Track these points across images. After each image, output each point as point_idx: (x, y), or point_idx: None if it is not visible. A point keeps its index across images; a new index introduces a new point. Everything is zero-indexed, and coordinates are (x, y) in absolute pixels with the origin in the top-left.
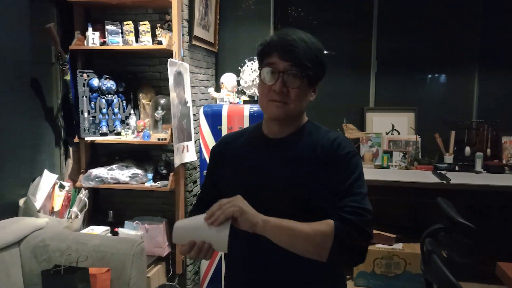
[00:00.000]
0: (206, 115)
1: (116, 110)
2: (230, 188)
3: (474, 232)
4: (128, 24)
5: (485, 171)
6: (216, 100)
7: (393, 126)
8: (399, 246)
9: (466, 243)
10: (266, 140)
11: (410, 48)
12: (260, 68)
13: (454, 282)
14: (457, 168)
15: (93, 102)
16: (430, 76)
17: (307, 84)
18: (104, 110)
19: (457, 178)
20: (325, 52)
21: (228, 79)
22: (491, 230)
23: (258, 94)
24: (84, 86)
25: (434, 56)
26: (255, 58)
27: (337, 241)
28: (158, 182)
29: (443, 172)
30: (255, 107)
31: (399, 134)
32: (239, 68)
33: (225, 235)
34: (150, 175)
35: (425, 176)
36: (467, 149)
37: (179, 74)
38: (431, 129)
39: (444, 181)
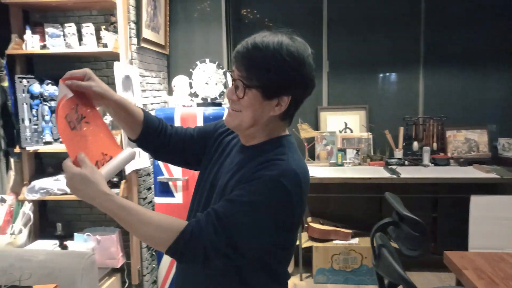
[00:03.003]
0: None
1: None
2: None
3: (420, 225)
4: (70, 26)
5: (433, 164)
6: (168, 103)
7: (346, 124)
8: (355, 241)
9: (413, 236)
10: (240, 145)
11: (360, 49)
12: None
13: (403, 275)
14: (406, 162)
15: (34, 110)
16: (379, 75)
17: (261, 95)
18: (47, 118)
19: (407, 172)
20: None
21: (180, 81)
22: (440, 221)
23: (209, 96)
24: (24, 93)
25: (382, 56)
26: (207, 60)
27: (175, 248)
28: None
29: (394, 167)
30: (209, 110)
31: (351, 132)
32: (191, 70)
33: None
34: None
35: (377, 171)
36: (415, 144)
37: (127, 78)
38: (382, 126)
39: (395, 176)
